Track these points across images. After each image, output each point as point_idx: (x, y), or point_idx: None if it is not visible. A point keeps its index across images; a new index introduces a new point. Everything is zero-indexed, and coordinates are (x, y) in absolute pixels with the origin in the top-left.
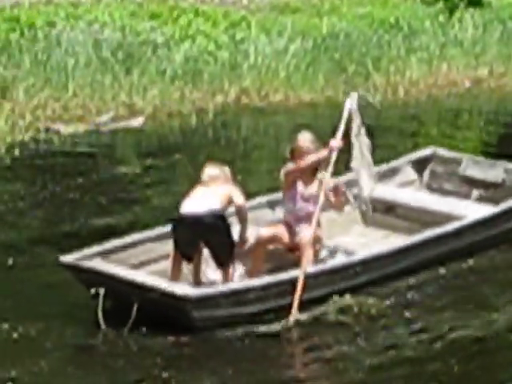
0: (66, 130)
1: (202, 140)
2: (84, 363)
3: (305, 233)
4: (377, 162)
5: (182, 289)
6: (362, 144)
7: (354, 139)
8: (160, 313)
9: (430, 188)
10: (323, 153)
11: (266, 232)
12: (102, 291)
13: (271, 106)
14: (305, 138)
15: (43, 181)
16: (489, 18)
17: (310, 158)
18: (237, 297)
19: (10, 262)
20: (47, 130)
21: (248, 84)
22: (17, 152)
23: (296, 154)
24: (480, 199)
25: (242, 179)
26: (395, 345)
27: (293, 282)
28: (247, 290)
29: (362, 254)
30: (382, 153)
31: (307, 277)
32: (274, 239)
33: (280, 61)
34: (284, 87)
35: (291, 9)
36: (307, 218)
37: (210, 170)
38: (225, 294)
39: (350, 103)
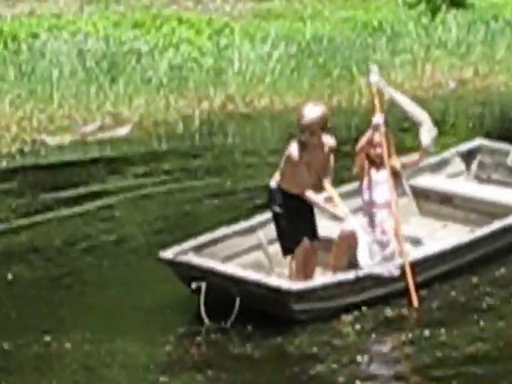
0: (52, 141)
1: (190, 147)
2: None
3: (386, 226)
4: None
5: (284, 283)
6: (402, 98)
7: (393, 97)
8: (260, 306)
9: (479, 179)
10: (369, 133)
11: (349, 227)
12: (203, 286)
13: (256, 112)
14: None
15: (32, 193)
16: (472, 18)
17: (363, 139)
18: (336, 289)
19: None
20: (33, 141)
21: (233, 90)
22: (4, 164)
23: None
24: None
25: (231, 185)
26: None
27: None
28: (346, 283)
29: (453, 241)
30: None
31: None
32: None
33: (264, 66)
34: (269, 93)
35: (274, 14)
36: (386, 205)
37: None
38: (325, 287)
39: (373, 77)
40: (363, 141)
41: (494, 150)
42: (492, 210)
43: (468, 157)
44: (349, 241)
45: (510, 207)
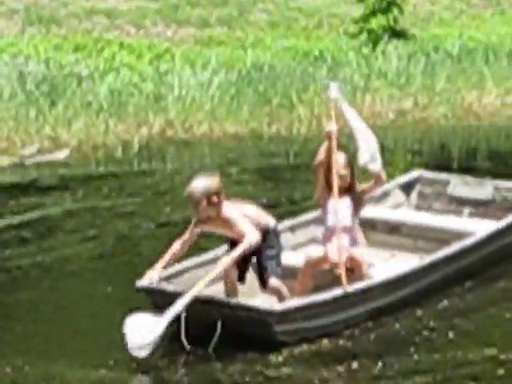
0: None
1: (128, 172)
2: None
3: (356, 249)
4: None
5: (266, 304)
6: (355, 119)
7: (347, 118)
8: (240, 329)
9: (419, 208)
10: (324, 144)
11: (316, 253)
12: (183, 312)
13: (196, 138)
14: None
15: None
16: (413, 49)
17: (319, 153)
18: (317, 309)
19: None
20: None
21: (172, 116)
22: None
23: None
24: (472, 216)
25: (170, 210)
26: None
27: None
28: (327, 303)
29: (409, 265)
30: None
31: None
32: (323, 259)
33: (204, 93)
34: (208, 119)
35: (215, 41)
36: (347, 230)
37: None
38: (306, 308)
39: (334, 94)
40: (320, 154)
41: (434, 180)
42: (439, 236)
43: (408, 188)
44: (315, 267)
45: (456, 232)
